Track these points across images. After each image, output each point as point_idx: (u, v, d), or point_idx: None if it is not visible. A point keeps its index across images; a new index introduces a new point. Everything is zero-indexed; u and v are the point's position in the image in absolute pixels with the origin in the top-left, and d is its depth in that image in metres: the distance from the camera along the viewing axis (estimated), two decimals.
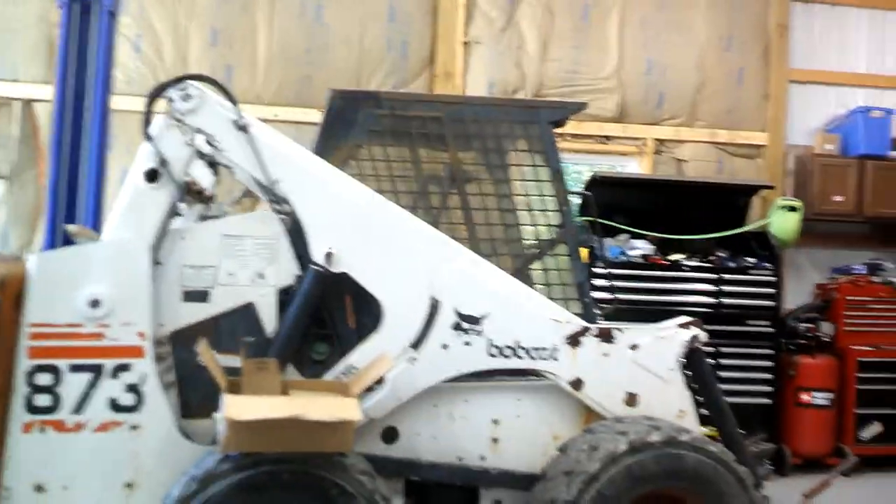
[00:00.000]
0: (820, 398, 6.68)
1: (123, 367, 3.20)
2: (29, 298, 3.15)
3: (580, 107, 4.09)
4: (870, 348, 6.89)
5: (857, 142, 7.51)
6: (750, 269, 6.72)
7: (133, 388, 3.20)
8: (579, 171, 9.31)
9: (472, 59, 7.31)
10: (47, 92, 6.02)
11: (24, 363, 3.13)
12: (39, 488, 3.11)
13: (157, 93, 3.34)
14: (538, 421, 3.60)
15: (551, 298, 3.75)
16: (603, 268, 6.03)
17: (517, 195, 3.93)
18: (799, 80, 7.88)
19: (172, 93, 3.32)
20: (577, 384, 3.54)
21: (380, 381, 3.37)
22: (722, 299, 6.61)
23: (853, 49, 8.02)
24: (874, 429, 6.65)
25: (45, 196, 4.61)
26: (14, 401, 3.11)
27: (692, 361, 3.73)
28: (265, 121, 3.75)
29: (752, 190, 7.22)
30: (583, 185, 6.66)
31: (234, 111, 3.35)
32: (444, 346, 3.45)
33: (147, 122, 3.31)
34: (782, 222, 6.98)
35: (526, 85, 7.35)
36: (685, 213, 6.91)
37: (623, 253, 6.68)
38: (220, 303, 3.41)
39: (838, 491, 4.66)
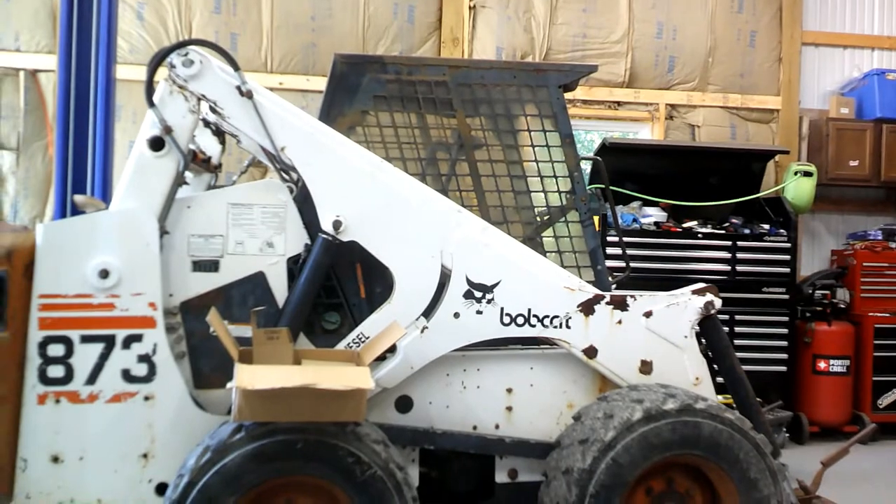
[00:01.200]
0: (837, 365, 6.63)
1: (135, 338, 3.19)
2: (37, 269, 3.13)
3: (590, 70, 4.00)
4: (887, 315, 6.82)
5: (872, 105, 7.38)
6: (764, 235, 6.65)
7: (145, 359, 3.19)
8: (588, 138, 9.21)
9: (479, 24, 7.20)
10: (52, 62, 5.97)
11: (35, 334, 3.12)
12: (56, 459, 3.12)
13: (158, 58, 3.28)
14: (552, 389, 3.57)
15: (563, 266, 3.70)
16: (615, 235, 5.97)
17: (527, 161, 3.87)
18: (812, 43, 7.74)
19: (174, 58, 3.26)
20: (590, 352, 3.50)
21: (392, 351, 3.34)
22: (737, 266, 6.54)
23: (866, 10, 7.87)
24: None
25: (54, 167, 4.59)
26: (28, 372, 3.11)
27: (707, 329, 3.69)
28: (270, 89, 3.69)
29: (766, 155, 7.12)
30: (593, 152, 6.57)
31: (237, 77, 3.29)
32: (456, 315, 3.41)
33: (149, 88, 3.25)
34: (797, 188, 6.90)
35: (534, 50, 7.24)
36: (698, 180, 6.83)
37: (636, 220, 6.61)
38: (230, 272, 3.39)
39: (856, 458, 4.63)
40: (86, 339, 3.15)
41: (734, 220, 6.78)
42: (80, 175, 4.43)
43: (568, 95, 3.96)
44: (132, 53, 6.61)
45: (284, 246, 3.43)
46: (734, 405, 3.72)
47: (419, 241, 3.42)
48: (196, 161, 3.52)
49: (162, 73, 3.30)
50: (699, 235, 6.59)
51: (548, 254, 3.77)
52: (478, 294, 3.43)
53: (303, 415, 2.88)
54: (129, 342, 3.18)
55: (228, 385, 2.84)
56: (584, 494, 3.13)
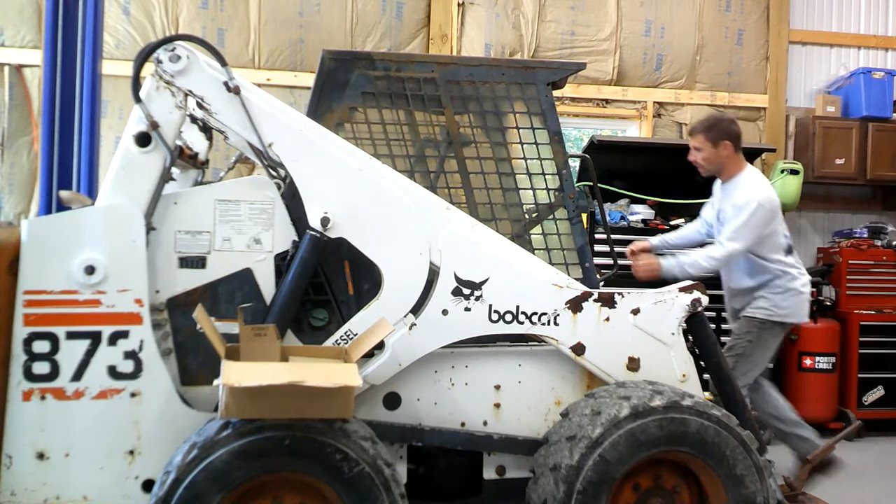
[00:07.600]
0: (822, 362, 6.67)
1: (121, 335, 3.17)
2: (22, 265, 3.11)
3: (579, 67, 4.00)
4: (872, 312, 6.88)
5: (858, 104, 7.43)
6: None
7: (131, 356, 3.17)
8: (579, 136, 9.22)
9: (467, 21, 7.20)
10: (37, 57, 5.92)
11: (20, 331, 3.09)
12: (41, 456, 3.10)
13: (145, 54, 3.25)
14: (540, 386, 3.58)
15: (551, 263, 3.71)
16: (603, 233, 5.98)
17: (516, 158, 3.87)
18: (799, 42, 7.79)
19: (161, 53, 3.24)
20: (578, 349, 3.51)
21: (380, 347, 3.34)
22: None
23: (853, 9, 7.92)
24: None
25: (39, 163, 4.55)
26: (13, 369, 3.09)
27: (694, 326, 3.70)
28: (258, 85, 3.67)
29: (753, 153, 7.13)
30: (582, 150, 6.58)
31: (224, 72, 3.27)
32: (444, 312, 3.41)
33: (136, 84, 3.23)
34: (783, 186, 6.93)
35: (523, 47, 7.25)
36: (686, 178, 6.84)
37: (623, 218, 6.63)
38: (217, 269, 3.37)
39: (842, 455, 4.66)
40: (72, 336, 3.13)
41: None
42: (66, 171, 4.39)
43: (556, 93, 3.97)
44: (118, 49, 6.57)
45: (272, 242, 3.42)
46: (721, 402, 3.74)
47: (407, 237, 3.41)
48: (183, 157, 3.50)
49: (149, 68, 3.28)
50: None
51: (536, 251, 3.77)
52: (466, 291, 3.43)
53: (290, 412, 2.87)
54: (115, 339, 3.16)
55: (215, 382, 2.83)
56: (572, 491, 3.14)
